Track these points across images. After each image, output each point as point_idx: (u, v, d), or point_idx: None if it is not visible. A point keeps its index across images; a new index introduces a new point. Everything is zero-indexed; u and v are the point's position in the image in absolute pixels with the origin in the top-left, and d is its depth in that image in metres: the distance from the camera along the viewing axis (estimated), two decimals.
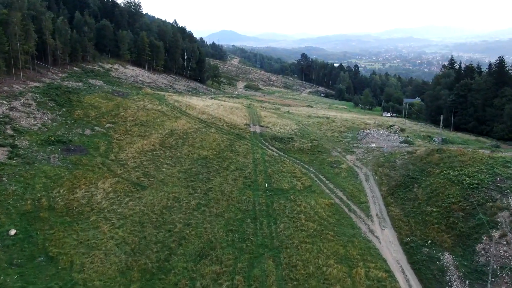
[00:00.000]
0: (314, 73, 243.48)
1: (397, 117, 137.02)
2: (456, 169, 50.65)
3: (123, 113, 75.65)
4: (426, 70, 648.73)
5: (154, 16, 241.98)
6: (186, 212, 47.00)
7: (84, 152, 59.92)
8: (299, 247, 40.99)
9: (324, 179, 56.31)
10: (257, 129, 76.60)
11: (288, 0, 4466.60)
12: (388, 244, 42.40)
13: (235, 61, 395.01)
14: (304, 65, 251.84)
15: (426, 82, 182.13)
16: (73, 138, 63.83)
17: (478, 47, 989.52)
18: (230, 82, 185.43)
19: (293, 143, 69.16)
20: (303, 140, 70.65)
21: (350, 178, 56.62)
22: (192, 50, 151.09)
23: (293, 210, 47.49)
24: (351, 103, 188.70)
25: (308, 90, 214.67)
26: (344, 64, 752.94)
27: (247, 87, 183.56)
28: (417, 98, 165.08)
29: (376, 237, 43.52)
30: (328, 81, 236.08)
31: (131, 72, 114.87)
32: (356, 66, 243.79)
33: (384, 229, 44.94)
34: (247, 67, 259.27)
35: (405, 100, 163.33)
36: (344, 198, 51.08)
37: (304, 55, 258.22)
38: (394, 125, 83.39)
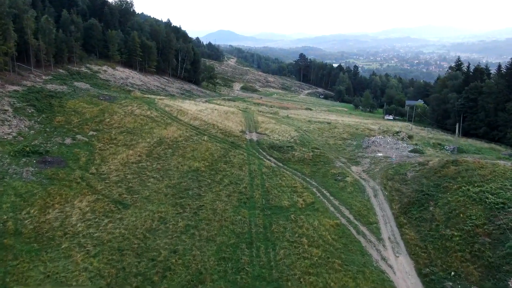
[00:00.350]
0: (313, 73, 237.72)
1: (400, 120, 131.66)
2: (476, 184, 45.18)
3: (108, 119, 69.76)
4: (424, 70, 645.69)
5: (150, 16, 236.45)
6: (173, 236, 41.26)
7: (62, 164, 54.04)
8: (301, 280, 35.33)
9: (328, 194, 50.70)
10: (254, 136, 70.90)
11: (286, 0, 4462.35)
12: (404, 275, 36.76)
13: (232, 61, 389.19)
14: (302, 65, 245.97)
15: (428, 83, 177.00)
16: (51, 148, 57.92)
17: (476, 47, 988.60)
18: (226, 84, 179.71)
19: (293, 152, 63.47)
20: (303, 149, 64.98)
21: (356, 193, 51.01)
22: (186, 51, 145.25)
23: (294, 233, 41.85)
24: (351, 105, 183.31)
25: (306, 92, 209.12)
26: (343, 64, 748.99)
27: (243, 88, 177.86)
28: (419, 100, 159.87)
29: (390, 266, 37.90)
30: (327, 82, 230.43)
31: (121, 74, 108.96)
32: (356, 67, 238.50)
33: (398, 256, 39.31)
34: (244, 68, 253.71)
35: (407, 102, 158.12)
36: (351, 217, 45.48)
37: (302, 56, 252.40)
38: (400, 132, 77.84)
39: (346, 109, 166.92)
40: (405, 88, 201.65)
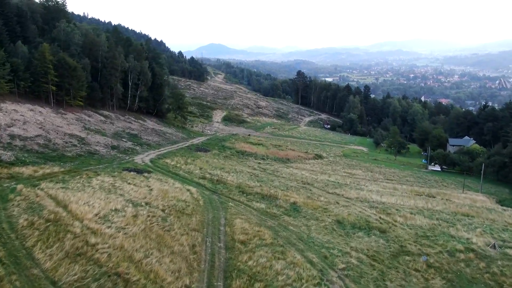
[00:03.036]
0: (314, 95, 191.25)
1: (452, 173, 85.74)
2: None
3: None
4: (422, 85, 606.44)
5: (98, 19, 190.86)
6: None
7: None
8: None
9: None
10: None
11: (277, 14, 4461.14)
12: None
13: (220, 77, 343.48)
14: (300, 84, 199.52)
15: (469, 111, 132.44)
16: None
17: (469, 60, 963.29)
18: (204, 113, 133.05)
19: None
20: None
21: None
22: (140, 71, 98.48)
23: None
24: (368, 139, 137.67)
25: (307, 119, 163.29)
26: (337, 79, 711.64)
27: (227, 119, 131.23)
28: (466, 137, 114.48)
29: None
30: (332, 106, 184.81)
31: (6, 117, 61.67)
32: (367, 87, 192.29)
33: None
34: (230, 88, 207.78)
35: (451, 141, 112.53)
36: None
37: (300, 73, 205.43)
38: None
39: (365, 149, 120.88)
40: (432, 115, 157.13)
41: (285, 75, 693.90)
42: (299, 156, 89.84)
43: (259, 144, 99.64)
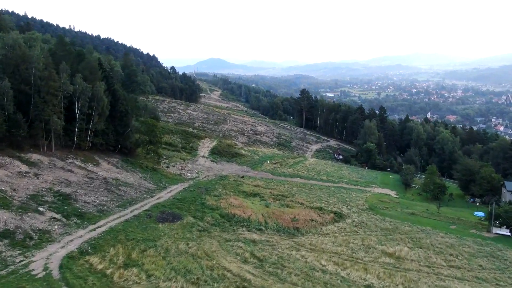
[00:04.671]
0: (320, 117, 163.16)
1: None
2: None
3: None
4: (426, 100, 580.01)
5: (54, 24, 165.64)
6: None
7: None
8: None
9: None
10: None
11: (277, 29, 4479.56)
12: None
13: (216, 94, 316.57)
14: (304, 105, 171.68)
15: None
16: None
17: (470, 75, 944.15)
18: (187, 143, 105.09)
19: None
20: None
21: None
22: (92, 97, 70.74)
23: None
24: (392, 176, 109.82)
25: (314, 148, 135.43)
26: (338, 94, 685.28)
27: (216, 152, 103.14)
28: None
29: None
30: (342, 130, 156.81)
31: None
32: (383, 109, 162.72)
33: None
34: (224, 108, 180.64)
35: (508, 185, 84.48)
36: None
37: (304, 92, 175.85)
38: None
39: (392, 193, 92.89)
40: (464, 143, 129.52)
41: (285, 90, 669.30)
42: (311, 218, 61.48)
43: (255, 195, 71.51)
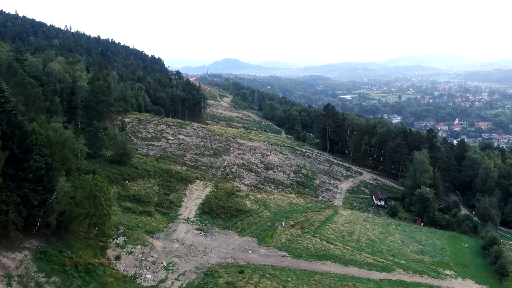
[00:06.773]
0: (349, 140, 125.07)
1: None
2: None
3: None
4: (451, 104, 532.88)
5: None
6: None
7: None
8: None
9: None
10: None
11: (292, 29, 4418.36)
12: None
13: (226, 101, 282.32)
14: (329, 124, 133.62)
15: None
16: None
17: (493, 76, 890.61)
18: (165, 196, 70.52)
19: None
20: None
21: None
22: None
23: None
24: (463, 241, 73.76)
25: (345, 187, 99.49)
26: (356, 96, 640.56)
27: (208, 209, 68.24)
28: None
29: None
30: (378, 156, 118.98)
31: None
32: (431, 132, 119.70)
33: None
34: (226, 133, 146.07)
35: None
36: None
37: (329, 108, 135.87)
38: None
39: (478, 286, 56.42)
40: None
41: (301, 92, 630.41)
42: None
43: None
